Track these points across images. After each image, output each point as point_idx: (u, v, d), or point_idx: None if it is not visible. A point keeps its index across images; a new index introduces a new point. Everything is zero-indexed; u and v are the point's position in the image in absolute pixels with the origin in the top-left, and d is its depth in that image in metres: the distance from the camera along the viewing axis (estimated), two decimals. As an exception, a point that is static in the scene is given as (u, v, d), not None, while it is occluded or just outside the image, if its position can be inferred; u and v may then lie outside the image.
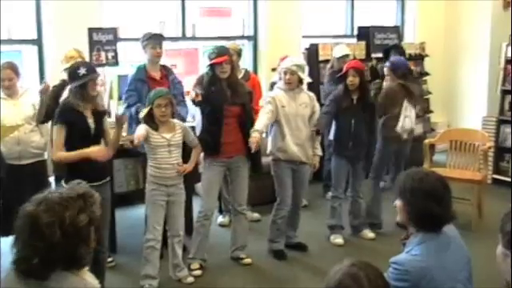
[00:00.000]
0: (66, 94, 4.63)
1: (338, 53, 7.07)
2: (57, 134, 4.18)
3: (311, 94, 5.46)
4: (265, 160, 5.69)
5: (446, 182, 2.71)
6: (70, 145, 4.19)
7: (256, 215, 6.42)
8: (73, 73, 4.22)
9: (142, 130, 4.59)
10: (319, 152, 5.51)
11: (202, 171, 5.21)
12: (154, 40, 5.37)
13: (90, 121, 4.22)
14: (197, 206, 5.88)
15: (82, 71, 4.15)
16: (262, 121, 5.09)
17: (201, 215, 5.16)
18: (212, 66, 5.02)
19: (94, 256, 4.02)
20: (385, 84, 6.37)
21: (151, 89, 4.98)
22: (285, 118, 5.23)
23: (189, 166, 4.84)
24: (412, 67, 8.63)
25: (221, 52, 5.03)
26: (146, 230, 4.79)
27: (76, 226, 2.05)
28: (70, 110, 4.17)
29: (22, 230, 2.03)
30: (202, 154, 5.14)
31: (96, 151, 4.20)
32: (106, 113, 4.58)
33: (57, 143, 4.19)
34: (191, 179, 5.77)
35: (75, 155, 4.14)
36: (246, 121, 5.10)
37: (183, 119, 5.25)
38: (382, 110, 6.00)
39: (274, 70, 6.91)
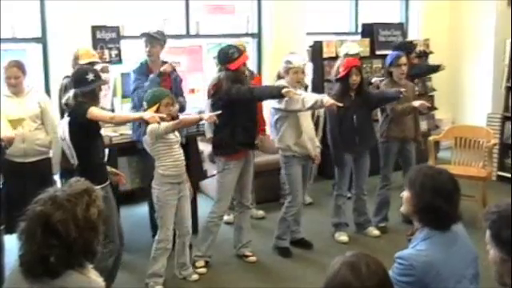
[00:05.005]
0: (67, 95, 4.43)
1: (351, 50, 6.67)
2: (97, 110, 4.17)
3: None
4: (270, 158, 5.68)
5: (457, 182, 2.70)
6: (88, 144, 4.23)
7: (261, 213, 6.43)
8: (81, 77, 4.24)
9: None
10: (318, 143, 5.59)
11: (222, 172, 5.13)
12: (144, 39, 5.46)
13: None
14: (201, 204, 5.90)
15: (91, 77, 4.20)
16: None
17: (215, 215, 5.18)
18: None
19: (116, 256, 4.09)
20: None
21: None
22: (301, 114, 5.26)
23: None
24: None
25: (240, 50, 5.06)
26: (159, 231, 4.73)
27: (89, 219, 2.08)
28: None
29: (34, 231, 2.02)
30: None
31: (149, 114, 4.36)
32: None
33: (103, 114, 4.29)
34: (196, 177, 5.76)
35: (132, 117, 4.68)
36: None
37: (183, 108, 5.41)
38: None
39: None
